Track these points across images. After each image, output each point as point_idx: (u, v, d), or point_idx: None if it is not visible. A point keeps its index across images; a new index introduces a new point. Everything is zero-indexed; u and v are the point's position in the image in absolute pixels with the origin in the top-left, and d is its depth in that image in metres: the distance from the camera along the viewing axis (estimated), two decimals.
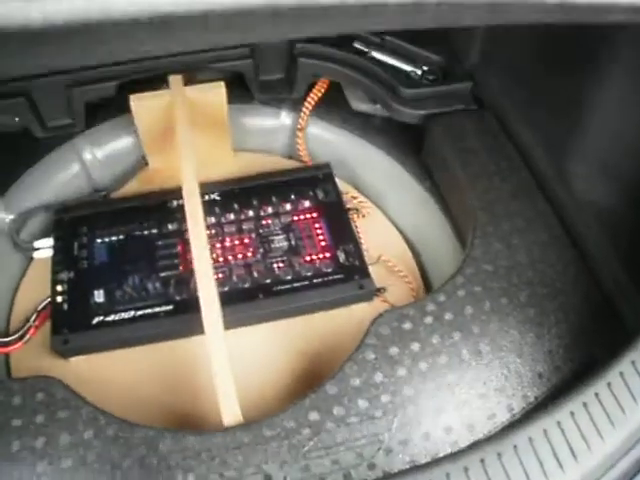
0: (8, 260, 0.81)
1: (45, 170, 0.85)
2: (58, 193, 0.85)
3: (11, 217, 0.82)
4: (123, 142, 0.88)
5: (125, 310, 0.73)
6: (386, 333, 0.66)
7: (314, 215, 0.81)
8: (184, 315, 0.73)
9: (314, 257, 0.78)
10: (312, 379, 0.73)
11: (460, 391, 0.62)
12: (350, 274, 0.76)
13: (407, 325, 0.68)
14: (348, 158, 0.89)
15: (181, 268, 0.76)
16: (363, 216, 0.85)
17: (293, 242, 0.79)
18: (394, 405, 0.62)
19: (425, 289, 0.82)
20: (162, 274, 0.75)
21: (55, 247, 0.78)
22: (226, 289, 0.73)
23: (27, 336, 0.75)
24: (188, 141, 0.77)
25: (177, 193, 0.81)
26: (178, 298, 0.74)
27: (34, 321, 0.76)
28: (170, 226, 0.80)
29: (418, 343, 0.66)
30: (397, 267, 0.81)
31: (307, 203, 0.82)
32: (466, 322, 0.67)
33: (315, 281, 0.76)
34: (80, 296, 0.74)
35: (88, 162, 0.87)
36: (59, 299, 0.74)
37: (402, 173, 0.86)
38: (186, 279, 0.75)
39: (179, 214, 0.80)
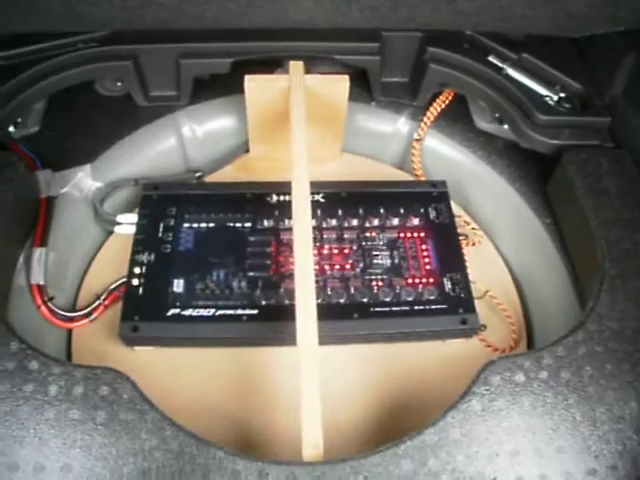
0: (87, 230, 0.69)
1: (140, 141, 0.73)
2: (150, 166, 0.73)
3: (97, 185, 0.70)
4: (226, 123, 0.76)
5: (205, 307, 0.60)
6: (496, 383, 0.53)
7: (422, 235, 0.67)
8: (269, 322, 0.60)
9: (417, 281, 0.63)
10: (397, 412, 0.60)
11: (568, 461, 0.49)
12: (455, 306, 0.62)
13: (520, 377, 0.53)
14: (464, 179, 0.75)
15: (272, 270, 0.63)
16: (473, 244, 0.70)
17: (397, 260, 0.65)
18: (494, 465, 0.49)
19: (527, 335, 0.68)
20: (250, 273, 0.62)
21: (139, 225, 0.66)
22: (318, 301, 0.58)
23: (94, 314, 0.63)
24: (302, 133, 0.63)
25: (278, 187, 0.69)
26: (264, 302, 0.60)
27: (104, 300, 0.64)
28: (266, 222, 0.66)
29: (530, 399, 0.52)
30: (502, 305, 0.66)
31: (416, 221, 0.68)
32: (584, 384, 0.53)
33: (416, 308, 0.62)
34: (158, 283, 0.61)
35: (186, 139, 0.75)
36: (134, 282, 0.62)
37: (521, 204, 0.71)
38: (276, 283, 0.62)
39: (278, 211, 0.67)
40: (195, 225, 0.66)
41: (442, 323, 0.62)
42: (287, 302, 0.61)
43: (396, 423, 0.59)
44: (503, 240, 0.73)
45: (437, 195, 0.71)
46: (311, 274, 0.54)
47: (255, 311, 0.60)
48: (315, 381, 0.50)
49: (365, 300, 0.62)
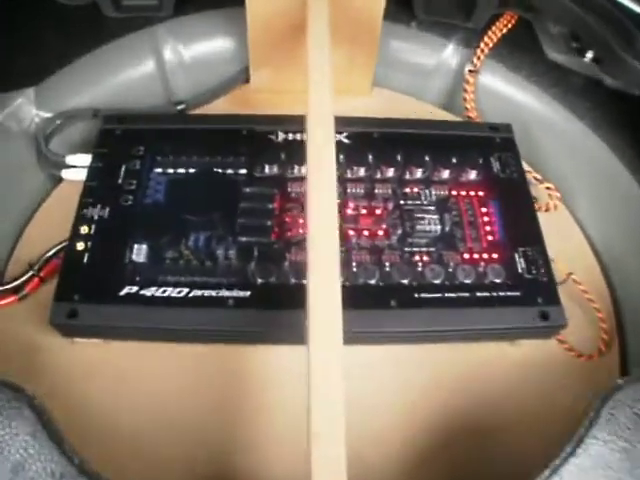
0: (26, 175, 0.45)
1: (105, 61, 0.48)
2: (117, 95, 0.48)
3: (43, 116, 0.46)
4: (220, 44, 0.51)
5: (175, 284, 0.37)
6: (622, 419, 0.29)
7: (482, 194, 0.43)
8: (266, 310, 0.36)
9: (477, 256, 0.40)
10: (449, 449, 0.37)
11: None
12: (531, 294, 0.39)
13: None
14: (531, 124, 0.50)
15: (273, 234, 0.39)
16: (546, 209, 0.46)
17: (448, 227, 0.41)
18: None
19: (618, 333, 0.43)
20: (242, 238, 0.39)
21: (92, 168, 0.42)
22: (346, 283, 0.37)
23: (25, 290, 0.39)
24: (323, 54, 0.39)
25: (286, 122, 0.45)
26: (260, 281, 0.37)
27: (39, 270, 0.40)
28: (267, 168, 0.42)
29: None
30: (588, 294, 0.42)
31: (474, 174, 0.43)
32: None
33: (477, 295, 0.38)
34: (111, 248, 0.38)
35: (168, 62, 0.50)
36: (79, 246, 0.38)
37: (609, 158, 0.46)
38: (278, 253, 0.38)
39: (284, 153, 0.43)
40: (169, 170, 0.42)
41: (514, 317, 0.38)
42: (293, 281, 0.37)
43: (448, 466, 0.36)
44: (582, 206, 0.48)
45: (500, 142, 0.46)
46: (334, 239, 0.30)
47: (247, 293, 0.36)
48: (337, 410, 0.26)
49: (406, 282, 0.38)
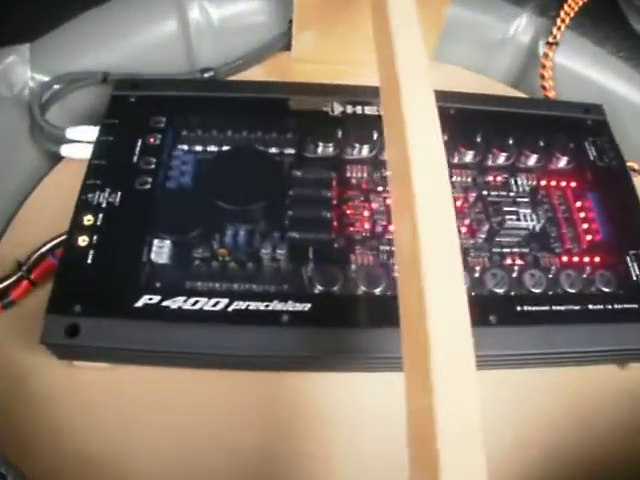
0: (19, 151, 0.34)
1: (117, 17, 0.37)
2: (131, 58, 0.37)
3: (39, 78, 0.35)
4: (255, 3, 0.40)
5: (209, 293, 0.26)
6: None
7: (575, 184, 0.33)
8: (331, 328, 0.26)
9: (578, 259, 0.30)
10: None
11: None
12: None
13: None
14: (619, 109, 0.39)
15: (332, 230, 0.29)
16: None
17: (540, 224, 0.31)
18: None
19: None
20: (293, 234, 0.28)
21: (99, 142, 0.31)
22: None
23: (11, 296, 0.29)
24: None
25: (344, 94, 0.34)
26: (321, 289, 0.27)
27: (29, 272, 0.29)
28: (321, 148, 0.31)
29: None
30: None
31: (565, 161, 0.33)
32: None
33: (589, 307, 0.28)
34: (123, 244, 0.28)
35: (193, 22, 0.39)
36: (81, 241, 0.28)
37: None
38: (342, 253, 0.28)
39: (342, 130, 0.32)
40: (197, 147, 0.31)
41: (633, 336, 0.28)
42: (363, 289, 0.27)
43: None
44: None
45: (592, 125, 0.36)
46: (451, 228, 0.19)
47: (306, 305, 0.26)
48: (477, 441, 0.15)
49: (503, 291, 0.28)
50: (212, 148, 0.32)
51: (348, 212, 0.30)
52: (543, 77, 0.40)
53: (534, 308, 0.28)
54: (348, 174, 0.31)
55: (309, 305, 0.26)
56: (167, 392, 0.27)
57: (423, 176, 0.20)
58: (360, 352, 0.26)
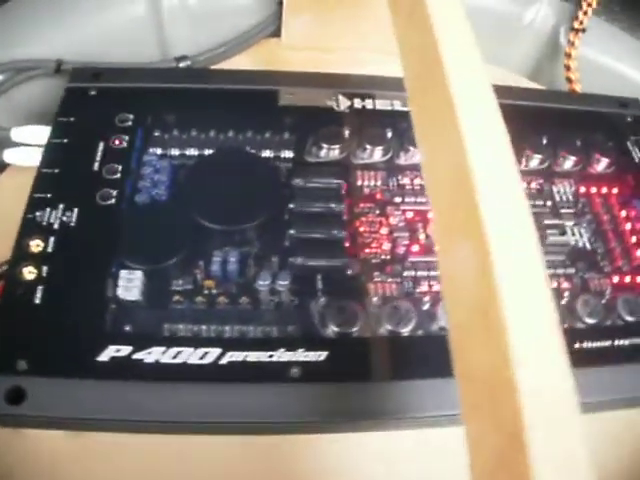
0: None
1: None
2: (90, 46, 0.30)
3: None
4: None
5: (194, 341, 0.20)
6: None
7: (617, 190, 0.27)
8: (354, 382, 0.19)
9: (630, 280, 0.25)
10: None
11: None
12: None
13: None
14: None
15: (346, 253, 0.23)
16: None
17: (584, 238, 0.25)
18: None
19: None
20: (296, 259, 0.22)
21: (51, 146, 0.24)
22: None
23: None
24: None
25: (352, 85, 0.27)
26: (337, 331, 0.20)
27: None
28: (325, 151, 0.25)
29: None
30: None
31: (605, 163, 0.28)
32: None
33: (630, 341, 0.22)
34: (81, 277, 0.21)
35: (166, 4, 0.31)
36: (27, 273, 0.20)
37: None
38: (359, 283, 0.22)
39: (350, 128, 0.26)
40: (174, 151, 0.25)
41: None
42: (389, 328, 0.21)
43: None
44: None
45: (633, 121, 0.30)
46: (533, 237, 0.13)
47: (321, 354, 0.19)
48: None
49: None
50: (192, 152, 0.25)
51: (361, 229, 0.24)
52: (569, 68, 0.34)
53: (592, 344, 0.22)
54: (359, 182, 0.25)
55: (325, 353, 0.20)
56: (141, 462, 0.20)
57: (489, 188, 0.15)
58: (388, 411, 0.20)
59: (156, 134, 0.25)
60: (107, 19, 0.31)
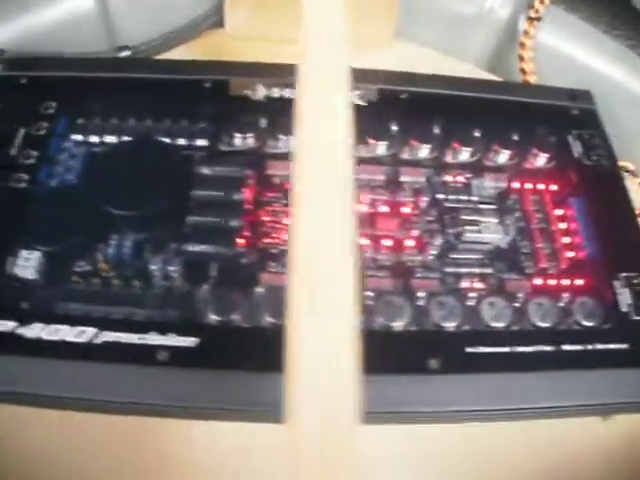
0: None
1: None
2: (36, 39, 0.30)
3: None
4: None
5: (79, 320, 0.20)
6: None
7: (556, 187, 0.26)
8: (223, 371, 0.19)
9: (555, 283, 0.23)
10: None
11: None
12: None
13: None
14: (613, 97, 0.32)
15: (240, 242, 0.22)
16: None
17: (509, 237, 0.24)
18: None
19: None
20: (191, 246, 0.22)
21: None
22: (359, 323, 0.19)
23: None
24: None
25: (270, 74, 0.27)
26: (217, 319, 0.20)
27: None
28: (238, 139, 0.25)
29: None
30: None
31: (545, 159, 0.26)
32: None
33: (563, 349, 0.21)
34: None
35: None
36: None
37: None
38: (249, 272, 0.21)
39: (266, 117, 0.26)
40: (94, 138, 0.25)
41: (621, 386, 0.21)
42: (269, 320, 0.20)
43: None
44: None
45: (579, 115, 0.29)
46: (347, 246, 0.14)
47: (192, 340, 0.19)
48: None
49: (453, 326, 0.21)
50: (111, 139, 0.25)
51: (265, 219, 0.24)
52: (522, 58, 0.32)
53: (491, 349, 0.21)
54: (268, 171, 0.25)
55: (197, 340, 0.20)
56: (17, 434, 0.21)
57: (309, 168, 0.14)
58: (260, 402, 0.20)
59: (79, 122, 0.26)
60: (55, 11, 0.31)
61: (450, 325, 0.21)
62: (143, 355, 0.19)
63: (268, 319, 0.21)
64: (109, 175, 0.24)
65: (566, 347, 0.22)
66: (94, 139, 0.25)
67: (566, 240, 0.25)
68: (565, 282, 0.24)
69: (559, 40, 0.33)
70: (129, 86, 0.27)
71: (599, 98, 0.32)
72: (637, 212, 0.28)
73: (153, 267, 0.22)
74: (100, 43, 0.33)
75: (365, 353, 0.20)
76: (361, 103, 0.26)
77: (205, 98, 0.27)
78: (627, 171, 0.30)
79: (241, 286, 0.21)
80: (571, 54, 0.33)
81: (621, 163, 0.30)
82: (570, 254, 0.25)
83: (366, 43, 0.32)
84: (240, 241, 0.23)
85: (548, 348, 0.21)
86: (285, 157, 0.25)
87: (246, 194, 0.24)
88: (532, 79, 0.33)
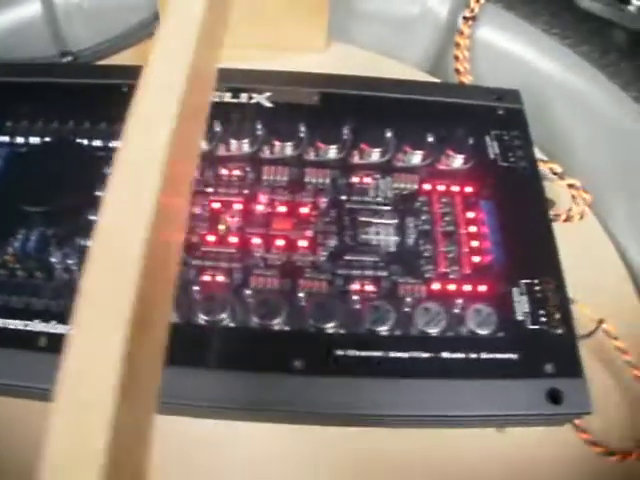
0: None
1: None
2: None
3: None
4: None
5: None
6: None
7: (470, 190, 0.26)
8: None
9: (454, 288, 0.23)
10: None
11: None
12: (535, 358, 0.21)
13: None
14: (551, 97, 0.31)
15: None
16: (566, 219, 0.27)
17: (411, 240, 0.24)
18: None
19: None
20: (87, 241, 0.17)
21: None
22: (228, 323, 0.21)
23: None
24: None
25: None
26: None
27: None
28: None
29: None
30: (629, 356, 0.24)
31: (460, 160, 0.26)
32: None
33: (444, 357, 0.21)
34: None
35: (61, 3, 0.33)
36: None
37: None
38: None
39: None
40: (19, 140, 0.26)
41: (506, 398, 0.20)
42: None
43: None
44: (621, 215, 0.30)
45: (503, 115, 0.28)
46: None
47: (65, 328, 0.21)
48: None
49: (328, 328, 0.21)
50: (34, 140, 0.26)
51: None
52: (457, 58, 0.32)
53: (363, 353, 0.21)
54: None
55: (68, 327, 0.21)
56: None
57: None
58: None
59: (7, 124, 0.27)
60: (2, 17, 0.33)
61: (327, 327, 0.21)
62: (26, 341, 0.21)
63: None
64: (22, 174, 0.25)
65: (448, 355, 0.21)
66: (20, 140, 0.27)
67: (473, 244, 0.25)
68: (465, 288, 0.23)
69: (497, 39, 0.32)
70: (56, 90, 0.28)
71: (536, 97, 0.31)
72: (558, 215, 0.28)
73: (54, 260, 0.23)
74: (48, 49, 0.35)
75: (238, 350, 0.20)
76: (268, 105, 0.27)
77: (122, 102, 0.28)
78: (555, 173, 0.29)
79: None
80: (509, 53, 0.32)
81: (549, 165, 0.29)
82: (476, 259, 0.24)
83: (299, 46, 0.33)
84: None
85: (426, 355, 0.21)
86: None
87: None
88: (467, 79, 0.32)
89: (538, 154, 0.29)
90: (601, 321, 0.25)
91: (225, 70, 0.27)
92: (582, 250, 0.28)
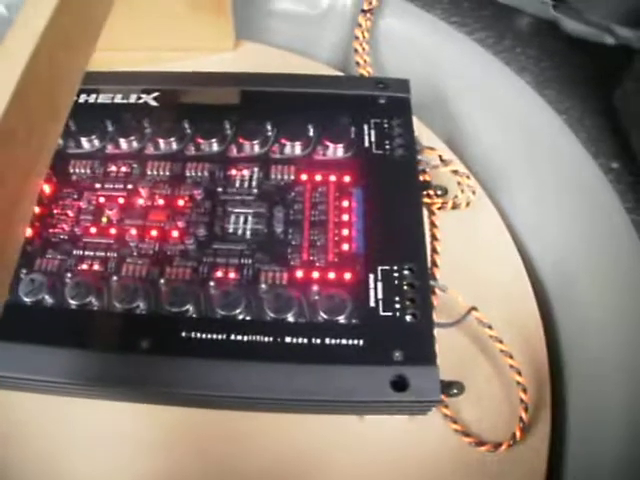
0: None
1: None
2: None
3: None
4: None
5: None
6: None
7: (348, 179, 0.26)
8: None
9: (317, 276, 0.24)
10: None
11: None
12: (383, 344, 0.22)
13: None
14: (451, 85, 0.32)
15: (34, 231, 0.25)
16: (454, 207, 0.28)
17: (279, 229, 0.25)
18: None
19: (552, 389, 0.25)
20: None
21: None
22: (93, 307, 0.23)
23: None
24: None
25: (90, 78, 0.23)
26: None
27: None
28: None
29: None
30: (502, 344, 0.24)
31: (340, 150, 0.27)
32: None
33: (284, 342, 0.22)
34: None
35: None
36: None
37: (564, 134, 0.28)
38: (31, 257, 0.24)
39: (74, 121, 0.28)
40: None
41: (348, 384, 0.21)
42: (45, 297, 0.23)
43: None
44: (520, 201, 0.30)
45: (386, 104, 0.28)
46: None
47: None
48: None
49: (176, 311, 0.23)
50: None
51: (55, 212, 0.26)
52: (357, 51, 0.32)
53: (205, 335, 0.22)
54: (71, 169, 0.27)
55: None
56: None
57: None
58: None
59: None
60: None
61: (181, 310, 0.23)
62: None
63: (45, 297, 0.23)
64: None
65: (290, 339, 0.22)
66: None
67: (344, 233, 0.25)
68: (326, 275, 0.24)
69: (398, 29, 0.33)
70: None
71: (437, 85, 0.31)
72: (452, 203, 0.28)
73: None
74: None
75: (93, 331, 0.22)
76: (154, 104, 0.28)
77: None
78: (442, 160, 0.29)
79: (21, 268, 0.24)
80: (408, 43, 0.32)
81: (436, 152, 0.30)
82: (344, 247, 0.25)
83: (208, 46, 0.34)
84: (28, 230, 0.26)
85: (268, 339, 0.22)
86: (85, 157, 0.28)
87: (44, 188, 0.27)
88: (367, 72, 0.33)
89: (439, 144, 0.30)
90: (473, 309, 0.25)
91: (113, 73, 0.29)
92: (473, 234, 0.28)
